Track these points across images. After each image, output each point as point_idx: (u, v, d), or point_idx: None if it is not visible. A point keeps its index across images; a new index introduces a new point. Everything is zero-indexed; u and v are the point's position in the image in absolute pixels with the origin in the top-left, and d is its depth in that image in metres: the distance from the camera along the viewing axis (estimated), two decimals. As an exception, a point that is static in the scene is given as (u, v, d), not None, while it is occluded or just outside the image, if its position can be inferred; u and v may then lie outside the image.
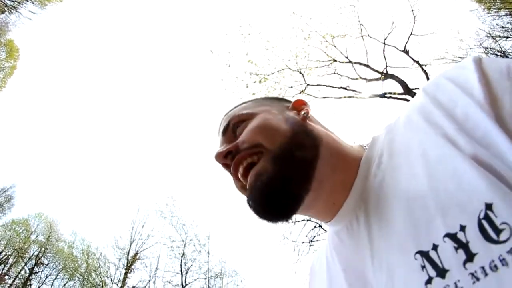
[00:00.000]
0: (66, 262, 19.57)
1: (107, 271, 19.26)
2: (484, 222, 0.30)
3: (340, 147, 0.55)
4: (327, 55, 8.93)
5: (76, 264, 19.71)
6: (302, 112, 0.59)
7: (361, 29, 8.72)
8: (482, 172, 0.32)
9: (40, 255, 19.81)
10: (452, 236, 0.32)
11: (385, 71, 8.59)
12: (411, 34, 8.52)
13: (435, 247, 0.34)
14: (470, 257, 0.30)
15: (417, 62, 8.65)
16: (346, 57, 8.90)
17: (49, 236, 20.55)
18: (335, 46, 8.94)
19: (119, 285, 18.63)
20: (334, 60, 8.92)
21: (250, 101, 0.66)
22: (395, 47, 8.75)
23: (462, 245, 0.31)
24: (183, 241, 20.34)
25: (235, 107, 0.65)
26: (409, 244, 0.37)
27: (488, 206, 0.30)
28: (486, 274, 0.29)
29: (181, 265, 19.94)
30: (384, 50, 8.67)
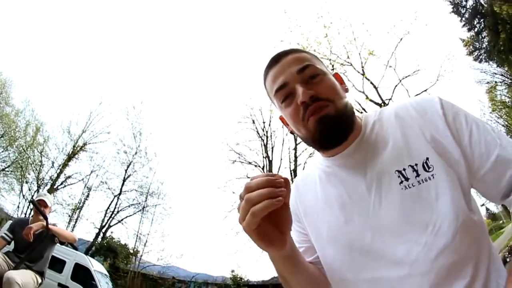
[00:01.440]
0: (7, 129, 18.51)
1: (48, 153, 18.66)
2: (424, 164, 0.65)
3: (355, 117, 0.77)
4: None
5: (18, 135, 18.68)
6: (346, 87, 0.80)
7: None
8: (430, 147, 0.67)
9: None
10: (412, 166, 0.66)
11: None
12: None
13: (404, 169, 0.67)
14: (417, 174, 0.65)
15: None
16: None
17: (-4, 94, 19.02)
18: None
19: (58, 169, 18.30)
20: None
21: (312, 54, 0.81)
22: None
23: (415, 170, 0.65)
24: (134, 149, 20.22)
25: (298, 50, 0.79)
26: (392, 167, 0.68)
27: (427, 158, 0.65)
28: (423, 181, 0.65)
29: (126, 171, 19.80)
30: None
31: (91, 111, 20.05)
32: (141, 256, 18.98)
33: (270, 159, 16.44)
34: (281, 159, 16.25)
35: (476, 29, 19.06)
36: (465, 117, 0.69)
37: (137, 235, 19.07)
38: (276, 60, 0.77)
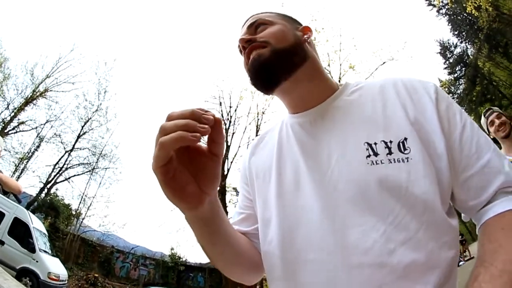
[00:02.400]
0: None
1: (5, 93, 16.87)
2: (401, 144, 0.58)
3: (320, 71, 0.73)
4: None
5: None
6: (305, 36, 0.75)
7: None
8: (411, 128, 0.59)
9: None
10: (385, 142, 0.59)
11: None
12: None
13: (375, 144, 0.59)
14: (390, 152, 0.58)
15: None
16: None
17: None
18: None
19: (12, 112, 16.71)
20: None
21: (275, 12, 0.79)
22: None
23: (388, 147, 0.58)
24: (96, 106, 19.21)
25: (263, 12, 0.78)
26: (362, 138, 0.61)
27: (405, 139, 0.58)
28: (395, 162, 0.57)
29: (82, 127, 18.79)
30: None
31: (60, 56, 18.42)
32: (83, 219, 18.28)
33: (229, 144, 16.24)
34: (239, 146, 16.12)
35: (456, 75, 20.35)
36: (460, 112, 0.63)
37: (82, 197, 18.30)
38: (243, 25, 0.78)
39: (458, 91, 21.52)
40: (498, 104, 17.35)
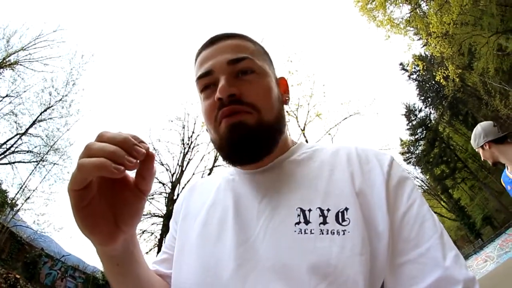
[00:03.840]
0: None
1: None
2: (339, 214, 0.51)
3: (285, 136, 0.67)
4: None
5: None
6: (286, 97, 0.69)
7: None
8: (355, 195, 0.53)
9: None
10: (321, 210, 0.52)
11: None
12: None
13: (309, 210, 0.52)
14: (324, 222, 0.50)
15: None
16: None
17: None
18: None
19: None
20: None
21: (259, 45, 0.69)
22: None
23: (323, 216, 0.51)
24: (60, 96, 18.01)
25: (244, 37, 0.66)
26: (296, 202, 0.54)
27: (346, 209, 0.51)
28: (327, 233, 0.49)
29: (41, 113, 17.48)
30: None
31: (41, 33, 17.25)
32: (18, 210, 16.36)
33: (184, 169, 15.84)
34: (194, 174, 15.67)
35: (417, 136, 22.23)
36: (411, 190, 0.55)
37: (22, 186, 16.50)
38: (212, 41, 0.64)
39: (417, 151, 23.40)
40: (453, 167, 19.12)
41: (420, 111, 22.77)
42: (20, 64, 16.53)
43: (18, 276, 12.94)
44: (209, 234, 0.60)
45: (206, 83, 0.61)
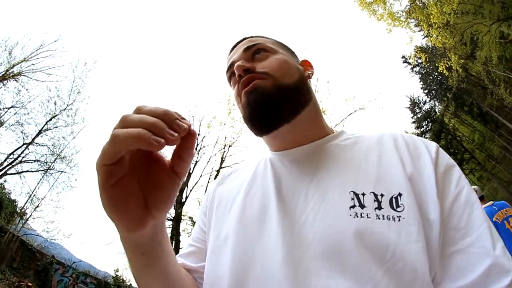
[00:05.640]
0: None
1: None
2: (393, 199, 0.50)
3: (320, 114, 0.68)
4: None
5: None
6: (309, 72, 0.70)
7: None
8: (407, 180, 0.52)
9: None
10: (375, 194, 0.51)
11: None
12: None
13: (363, 194, 0.51)
14: (379, 207, 0.49)
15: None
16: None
17: None
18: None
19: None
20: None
21: (272, 39, 0.72)
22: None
23: (378, 201, 0.50)
24: (65, 104, 18.26)
25: (259, 36, 0.70)
26: (348, 186, 0.53)
27: (400, 194, 0.50)
28: (384, 218, 0.48)
29: (47, 122, 17.68)
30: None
31: (43, 43, 17.49)
32: (27, 219, 16.54)
33: (191, 171, 15.68)
34: (201, 176, 15.63)
35: (422, 129, 22.06)
36: (458, 178, 0.54)
37: (30, 195, 16.67)
38: (233, 47, 0.71)
39: (423, 144, 23.16)
40: (460, 158, 18.89)
41: (424, 103, 22.61)
42: (24, 75, 16.76)
43: (30, 284, 13.00)
44: (249, 221, 0.57)
45: (230, 73, 0.68)
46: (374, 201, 0.50)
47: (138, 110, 0.36)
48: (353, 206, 0.50)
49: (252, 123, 0.62)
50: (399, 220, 0.48)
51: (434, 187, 0.51)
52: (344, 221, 0.49)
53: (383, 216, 0.48)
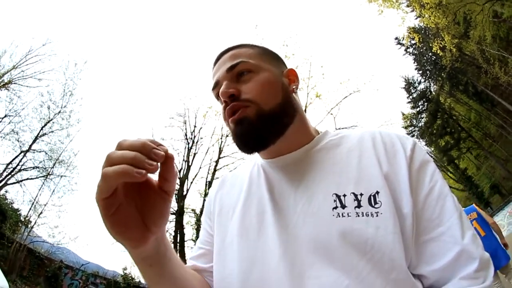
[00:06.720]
0: None
1: None
2: (372, 197, 0.56)
3: (305, 122, 0.71)
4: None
5: None
6: (293, 86, 0.72)
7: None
8: (384, 183, 0.57)
9: None
10: (355, 195, 0.57)
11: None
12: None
13: (344, 195, 0.57)
14: (359, 206, 0.55)
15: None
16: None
17: None
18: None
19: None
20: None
21: (256, 47, 0.73)
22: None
23: (357, 200, 0.56)
24: (59, 108, 17.95)
25: (242, 46, 0.72)
26: (331, 188, 0.59)
27: (377, 192, 0.56)
28: (363, 215, 0.55)
29: (42, 128, 17.44)
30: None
31: (31, 48, 17.08)
32: (32, 227, 16.58)
33: (190, 164, 15.77)
34: (200, 167, 15.69)
35: (418, 109, 22.11)
36: (433, 172, 0.60)
37: (33, 203, 16.70)
38: (217, 58, 0.73)
39: (420, 124, 23.30)
40: (457, 137, 19.04)
41: (419, 83, 22.53)
42: (14, 83, 16.41)
43: (41, 291, 13.18)
44: (249, 225, 0.64)
45: (216, 92, 0.70)
46: (354, 200, 0.56)
47: (120, 146, 0.41)
48: (336, 207, 0.56)
49: (241, 149, 0.66)
50: (377, 216, 0.54)
51: (407, 183, 0.57)
52: (328, 221, 0.56)
53: (363, 213, 0.55)
